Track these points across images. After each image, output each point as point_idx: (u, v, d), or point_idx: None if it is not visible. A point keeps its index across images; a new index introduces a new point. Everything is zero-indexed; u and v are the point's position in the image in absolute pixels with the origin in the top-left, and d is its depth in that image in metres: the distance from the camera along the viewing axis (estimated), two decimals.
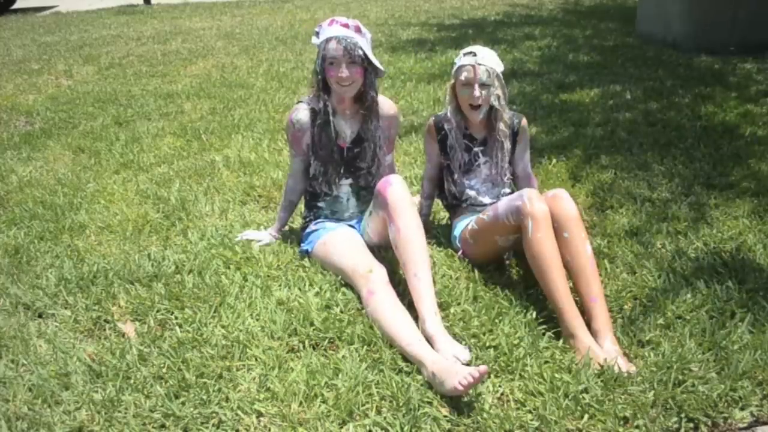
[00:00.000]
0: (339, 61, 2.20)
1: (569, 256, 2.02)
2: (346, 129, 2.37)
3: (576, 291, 2.02)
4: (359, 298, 2.11)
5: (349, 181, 2.40)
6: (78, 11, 10.71)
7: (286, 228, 2.62)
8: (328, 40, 2.21)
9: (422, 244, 2.06)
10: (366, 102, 2.32)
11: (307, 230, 2.46)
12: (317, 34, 2.28)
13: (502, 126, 2.38)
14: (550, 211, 2.05)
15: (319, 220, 2.45)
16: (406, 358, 1.85)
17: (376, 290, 2.03)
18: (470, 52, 2.30)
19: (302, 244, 2.45)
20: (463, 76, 2.30)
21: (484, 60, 2.28)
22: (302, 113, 2.35)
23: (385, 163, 2.45)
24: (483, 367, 1.66)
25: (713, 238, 2.47)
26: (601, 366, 1.79)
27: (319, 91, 2.31)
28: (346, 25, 2.23)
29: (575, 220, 2.04)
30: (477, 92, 2.28)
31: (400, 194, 2.08)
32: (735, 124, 3.73)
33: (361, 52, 2.20)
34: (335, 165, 2.37)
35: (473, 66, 2.27)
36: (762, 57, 5.22)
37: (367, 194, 2.42)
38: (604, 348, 1.86)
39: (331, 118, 2.32)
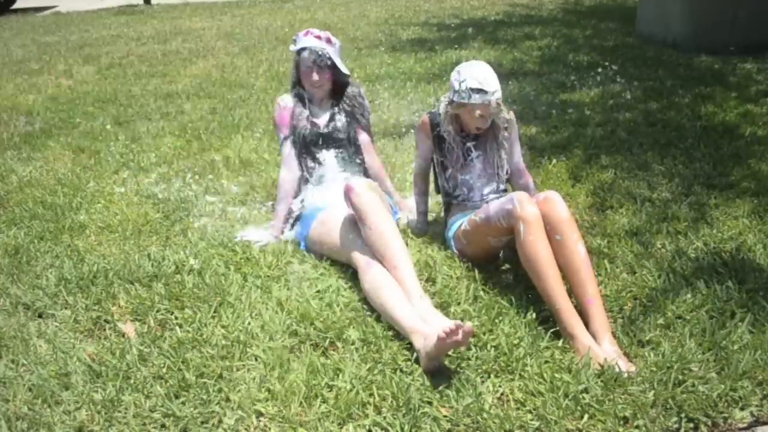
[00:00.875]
0: (311, 69, 2.57)
1: (563, 259, 2.02)
2: (323, 114, 2.68)
3: (572, 293, 2.02)
4: (355, 274, 2.15)
5: (332, 152, 2.65)
6: (78, 11, 10.71)
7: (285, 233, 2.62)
8: (302, 51, 2.58)
9: (395, 235, 2.14)
10: (337, 94, 2.69)
11: (300, 216, 2.55)
12: (294, 42, 2.64)
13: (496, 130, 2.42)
14: (542, 214, 2.05)
15: (310, 208, 2.51)
16: (405, 355, 1.85)
17: (374, 263, 2.10)
18: (480, 90, 2.26)
19: (298, 230, 2.51)
20: (476, 113, 2.30)
21: (496, 94, 2.28)
22: (287, 97, 2.71)
23: (363, 138, 2.73)
24: (467, 325, 1.71)
25: (713, 238, 2.47)
26: (601, 366, 1.79)
27: (296, 87, 2.68)
28: (319, 37, 2.58)
29: (567, 222, 2.04)
30: (488, 123, 2.35)
31: (364, 197, 2.17)
32: (735, 124, 3.73)
33: (329, 62, 2.57)
34: (315, 138, 2.63)
35: (486, 104, 2.28)
36: (762, 57, 5.22)
37: (348, 161, 2.67)
38: (602, 348, 1.86)
39: (312, 106, 2.67)
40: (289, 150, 2.64)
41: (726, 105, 4.05)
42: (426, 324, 1.88)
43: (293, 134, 2.63)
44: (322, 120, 2.66)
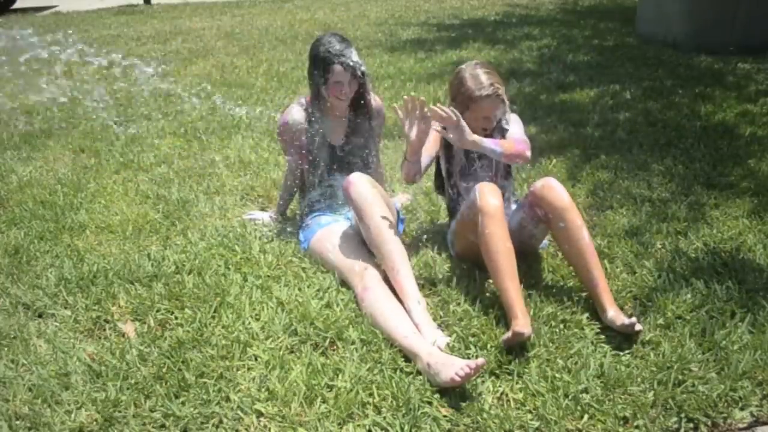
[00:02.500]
0: (343, 82, 2.32)
1: (567, 245, 2.05)
2: (339, 128, 2.46)
3: (577, 277, 2.09)
4: (354, 294, 2.13)
5: (344, 175, 2.40)
6: (78, 11, 10.70)
7: (288, 231, 2.62)
8: (331, 62, 2.29)
9: (394, 237, 2.12)
10: (361, 104, 2.43)
11: (303, 224, 2.52)
12: (320, 47, 2.32)
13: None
14: (543, 201, 2.07)
15: (314, 214, 2.49)
16: (405, 355, 1.86)
17: (370, 287, 2.07)
18: (492, 86, 2.20)
19: (300, 240, 2.50)
20: (482, 115, 2.24)
21: (503, 92, 2.25)
22: (297, 114, 2.44)
23: (378, 155, 2.57)
24: (480, 360, 1.68)
25: (713, 238, 2.47)
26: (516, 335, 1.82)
27: (316, 97, 2.41)
28: (344, 41, 2.33)
29: (569, 209, 2.05)
30: (494, 123, 2.28)
31: (364, 192, 2.14)
32: (734, 124, 3.73)
33: (361, 73, 2.32)
34: (329, 161, 2.47)
35: (493, 105, 2.22)
36: (762, 57, 5.23)
37: None
38: (608, 316, 1.93)
39: (326, 119, 2.43)
40: (295, 165, 2.50)
41: (725, 105, 4.06)
42: (421, 337, 1.88)
43: (306, 157, 2.46)
44: (338, 138, 2.46)
